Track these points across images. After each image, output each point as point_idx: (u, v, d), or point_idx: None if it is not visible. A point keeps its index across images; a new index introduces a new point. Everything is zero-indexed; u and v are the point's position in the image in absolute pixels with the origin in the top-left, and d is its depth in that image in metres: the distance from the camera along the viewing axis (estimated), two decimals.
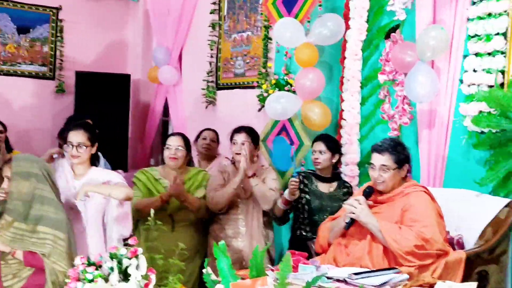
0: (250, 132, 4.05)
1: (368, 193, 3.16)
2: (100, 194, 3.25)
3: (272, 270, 2.67)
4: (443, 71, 3.85)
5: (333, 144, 4.09)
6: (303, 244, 3.71)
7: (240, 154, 3.92)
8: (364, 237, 3.03)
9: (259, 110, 4.97)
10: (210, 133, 4.85)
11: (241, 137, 3.98)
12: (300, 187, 4.00)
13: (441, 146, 3.85)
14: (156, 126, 6.34)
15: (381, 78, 4.24)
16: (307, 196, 4.00)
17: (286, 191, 3.89)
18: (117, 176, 3.36)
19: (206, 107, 5.66)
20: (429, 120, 3.92)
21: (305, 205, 4.00)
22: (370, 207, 3.12)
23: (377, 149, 3.15)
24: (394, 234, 2.92)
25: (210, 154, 4.80)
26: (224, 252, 2.37)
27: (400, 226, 2.95)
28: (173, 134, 4.15)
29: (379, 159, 3.11)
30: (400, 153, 3.11)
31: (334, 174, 4.11)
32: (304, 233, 3.96)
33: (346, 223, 3.09)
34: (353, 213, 3.03)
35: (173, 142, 3.94)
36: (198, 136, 4.85)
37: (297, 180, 3.83)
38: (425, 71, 3.80)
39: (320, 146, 4.03)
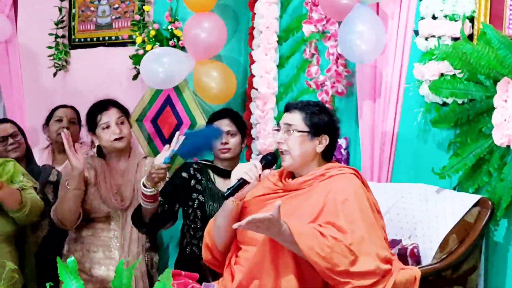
0: (120, 106, 4.14)
1: (269, 161, 3.19)
2: None
3: None
4: (392, 19, 3.92)
5: (242, 123, 4.18)
6: (194, 266, 3.67)
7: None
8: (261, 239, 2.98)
9: (135, 77, 4.89)
10: (68, 112, 4.85)
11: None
12: (191, 184, 4.01)
13: (389, 124, 3.93)
14: None
15: (307, 29, 4.27)
16: (201, 197, 4.02)
17: (144, 179, 3.70)
18: None
19: (55, 74, 5.54)
20: (373, 88, 4.00)
21: (197, 209, 4.02)
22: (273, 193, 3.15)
23: (287, 106, 3.24)
24: (319, 246, 2.88)
25: None
26: (72, 272, 2.37)
27: (322, 231, 2.92)
28: None
29: (285, 118, 3.20)
30: (317, 115, 3.16)
31: None
32: (196, 250, 3.98)
33: (228, 189, 3.10)
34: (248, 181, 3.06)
35: None
36: (49, 117, 4.85)
37: (166, 166, 3.65)
38: (367, 18, 3.86)
39: (228, 124, 4.08)
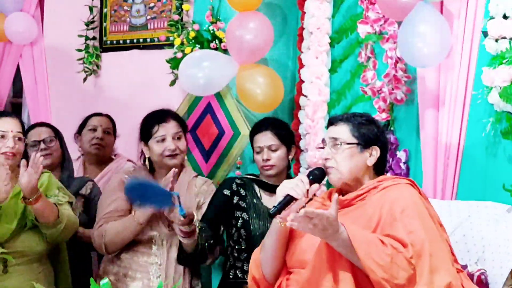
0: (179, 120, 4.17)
1: (317, 175, 3.15)
2: None
3: None
4: (458, 18, 3.89)
5: (287, 133, 4.15)
6: None
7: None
8: (321, 255, 2.96)
9: (172, 83, 4.88)
10: (103, 121, 4.88)
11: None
12: (234, 201, 4.03)
13: (454, 136, 3.89)
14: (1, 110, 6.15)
15: (362, 30, 4.26)
16: (245, 215, 4.01)
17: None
18: None
19: (85, 79, 5.60)
20: (436, 96, 3.96)
21: (242, 229, 4.02)
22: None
23: (330, 120, 3.27)
24: (377, 254, 2.86)
25: (102, 154, 4.85)
26: None
27: (382, 239, 2.90)
28: None
29: (330, 132, 3.22)
30: (365, 126, 3.19)
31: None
32: (240, 274, 3.99)
33: (274, 206, 3.06)
34: (295, 198, 3.03)
35: None
36: (82, 126, 4.90)
37: (190, 215, 3.71)
38: (430, 18, 3.84)
39: (269, 138, 4.07)
